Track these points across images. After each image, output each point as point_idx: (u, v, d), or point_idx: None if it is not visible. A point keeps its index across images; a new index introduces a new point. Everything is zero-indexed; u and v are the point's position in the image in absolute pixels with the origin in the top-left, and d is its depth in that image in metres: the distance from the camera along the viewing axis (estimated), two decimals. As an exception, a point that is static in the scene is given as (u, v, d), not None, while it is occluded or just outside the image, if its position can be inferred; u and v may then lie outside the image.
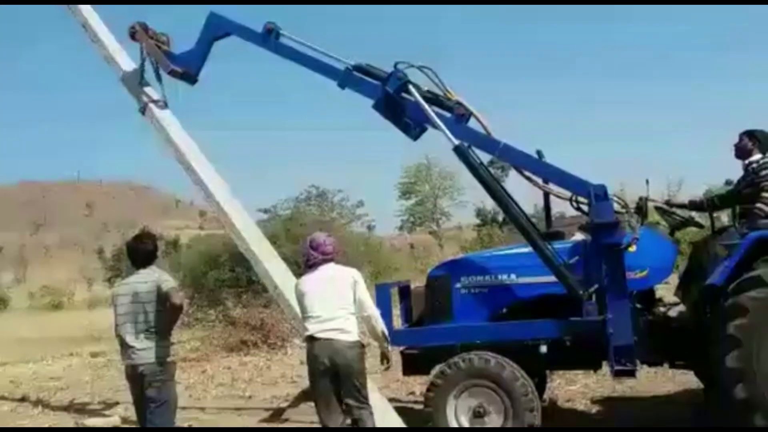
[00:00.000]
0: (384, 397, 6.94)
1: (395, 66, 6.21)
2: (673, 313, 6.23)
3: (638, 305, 5.92)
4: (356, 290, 5.31)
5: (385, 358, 5.56)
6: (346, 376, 5.18)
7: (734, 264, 5.36)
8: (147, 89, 7.79)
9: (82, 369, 13.48)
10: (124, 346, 5.52)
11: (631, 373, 5.75)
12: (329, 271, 5.39)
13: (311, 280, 5.39)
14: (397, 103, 6.22)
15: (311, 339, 5.22)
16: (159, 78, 7.67)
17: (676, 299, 6.48)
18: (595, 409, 7.38)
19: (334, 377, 5.18)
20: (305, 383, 7.07)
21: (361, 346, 5.32)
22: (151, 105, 7.70)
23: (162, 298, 5.42)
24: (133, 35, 7.59)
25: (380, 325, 5.43)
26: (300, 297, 5.41)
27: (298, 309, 5.70)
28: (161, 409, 5.43)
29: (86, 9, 8.22)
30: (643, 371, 6.67)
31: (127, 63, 8.00)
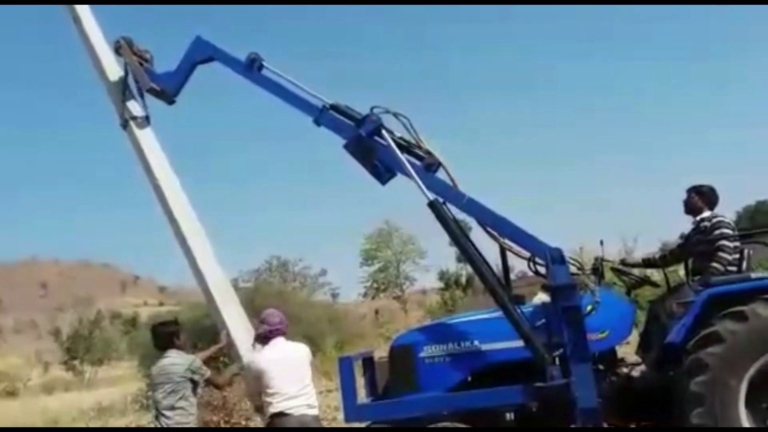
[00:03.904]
0: None
1: (371, 110, 6.29)
2: (635, 372, 6.26)
3: (601, 366, 5.95)
4: (310, 366, 5.80)
5: None
6: None
7: (691, 321, 5.47)
8: (130, 104, 7.59)
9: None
10: None
11: (598, 436, 5.72)
12: (285, 347, 5.76)
13: (270, 358, 5.69)
14: (369, 147, 6.28)
15: (281, 415, 5.47)
16: (141, 95, 7.58)
17: (637, 359, 6.52)
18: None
19: None
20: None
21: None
22: (132, 122, 7.52)
23: None
24: (117, 50, 7.57)
25: None
26: (260, 374, 5.63)
27: (253, 384, 5.94)
28: None
29: (82, 8, 7.98)
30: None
31: (115, 72, 7.83)
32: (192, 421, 6.03)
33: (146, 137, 7.56)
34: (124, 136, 7.60)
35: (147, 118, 7.60)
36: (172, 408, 5.89)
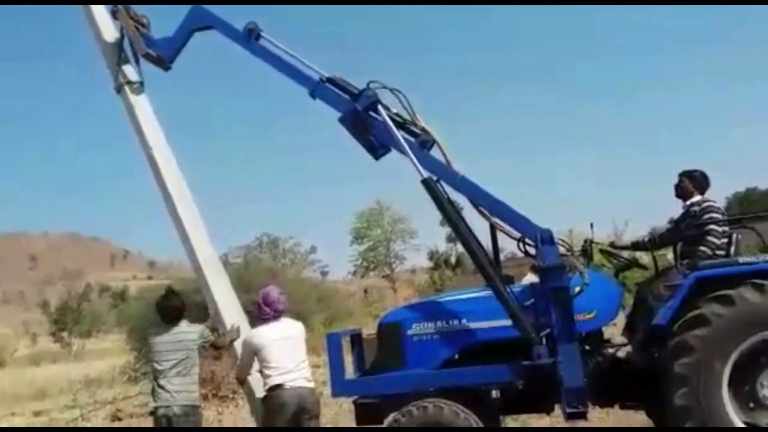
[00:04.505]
0: None
1: (368, 84, 6.26)
2: (621, 354, 6.32)
3: (587, 347, 5.99)
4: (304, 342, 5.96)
5: None
6: (310, 418, 5.77)
7: (678, 304, 5.49)
8: (126, 68, 7.49)
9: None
10: None
11: (583, 415, 5.76)
12: (283, 324, 5.94)
13: (269, 334, 5.86)
14: (364, 121, 6.26)
15: (278, 387, 5.68)
16: (137, 60, 7.48)
17: (623, 340, 6.57)
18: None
19: (293, 422, 5.68)
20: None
21: None
22: (126, 87, 7.43)
23: None
24: (114, 14, 7.48)
25: None
26: (259, 349, 5.82)
27: (248, 358, 6.02)
28: None
29: None
30: (595, 412, 6.70)
31: (111, 35, 7.60)
32: (197, 390, 6.13)
33: (141, 103, 7.47)
34: (118, 102, 7.50)
35: (142, 84, 7.52)
36: (182, 375, 5.94)
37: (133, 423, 11.26)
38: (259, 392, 6.19)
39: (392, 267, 59.80)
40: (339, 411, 10.06)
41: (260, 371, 5.93)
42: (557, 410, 6.16)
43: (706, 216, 6.12)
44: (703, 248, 5.96)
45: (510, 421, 7.83)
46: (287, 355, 5.80)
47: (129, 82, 7.43)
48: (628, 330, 6.51)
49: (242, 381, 6.41)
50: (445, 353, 6.06)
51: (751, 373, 5.43)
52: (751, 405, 5.41)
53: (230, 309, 6.96)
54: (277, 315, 5.93)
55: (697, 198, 6.34)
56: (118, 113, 7.54)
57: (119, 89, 7.46)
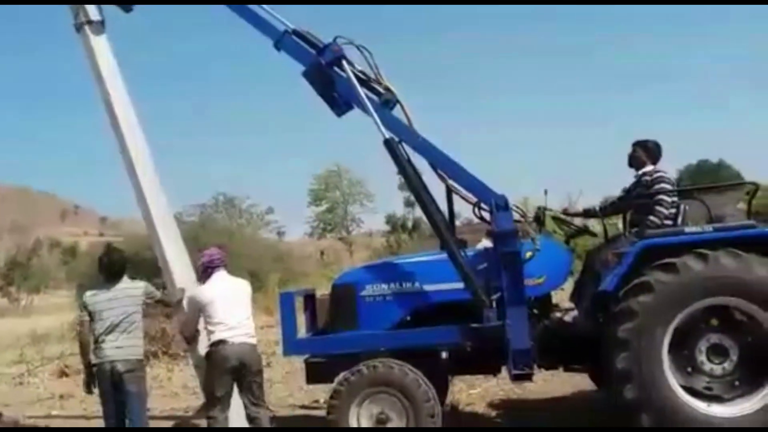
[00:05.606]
0: None
1: (335, 39, 6.19)
2: (568, 318, 6.47)
3: (535, 311, 6.12)
4: (249, 300, 6.06)
5: None
6: (252, 374, 5.81)
7: (624, 271, 5.61)
8: (88, 6, 7.14)
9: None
10: None
11: (529, 377, 5.92)
12: (227, 281, 5.98)
13: (213, 290, 5.89)
14: (328, 76, 6.20)
15: (221, 342, 5.74)
16: None
17: (571, 305, 6.72)
18: (494, 412, 7.56)
19: (235, 377, 5.77)
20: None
21: None
22: (86, 26, 7.12)
23: None
24: None
25: None
26: (204, 305, 5.86)
27: (193, 314, 6.08)
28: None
29: None
30: (540, 375, 6.86)
31: None
32: (142, 346, 6.04)
33: (100, 44, 7.20)
34: (78, 44, 7.22)
35: (102, 24, 7.22)
36: (127, 331, 5.82)
37: (81, 379, 11.09)
38: (202, 349, 6.20)
39: (349, 229, 59.91)
40: (291, 370, 10.11)
41: (205, 327, 5.95)
42: (504, 372, 6.30)
43: (657, 186, 6.24)
44: (652, 217, 6.09)
45: (457, 381, 7.98)
46: (231, 311, 5.83)
47: (89, 21, 7.14)
48: (576, 295, 6.66)
49: (187, 337, 6.41)
50: (397, 315, 6.12)
51: (690, 339, 5.60)
52: (689, 369, 5.60)
53: (180, 267, 6.89)
54: (218, 265, 5.97)
55: (649, 168, 6.45)
56: (76, 62, 7.28)
57: (79, 28, 7.20)
